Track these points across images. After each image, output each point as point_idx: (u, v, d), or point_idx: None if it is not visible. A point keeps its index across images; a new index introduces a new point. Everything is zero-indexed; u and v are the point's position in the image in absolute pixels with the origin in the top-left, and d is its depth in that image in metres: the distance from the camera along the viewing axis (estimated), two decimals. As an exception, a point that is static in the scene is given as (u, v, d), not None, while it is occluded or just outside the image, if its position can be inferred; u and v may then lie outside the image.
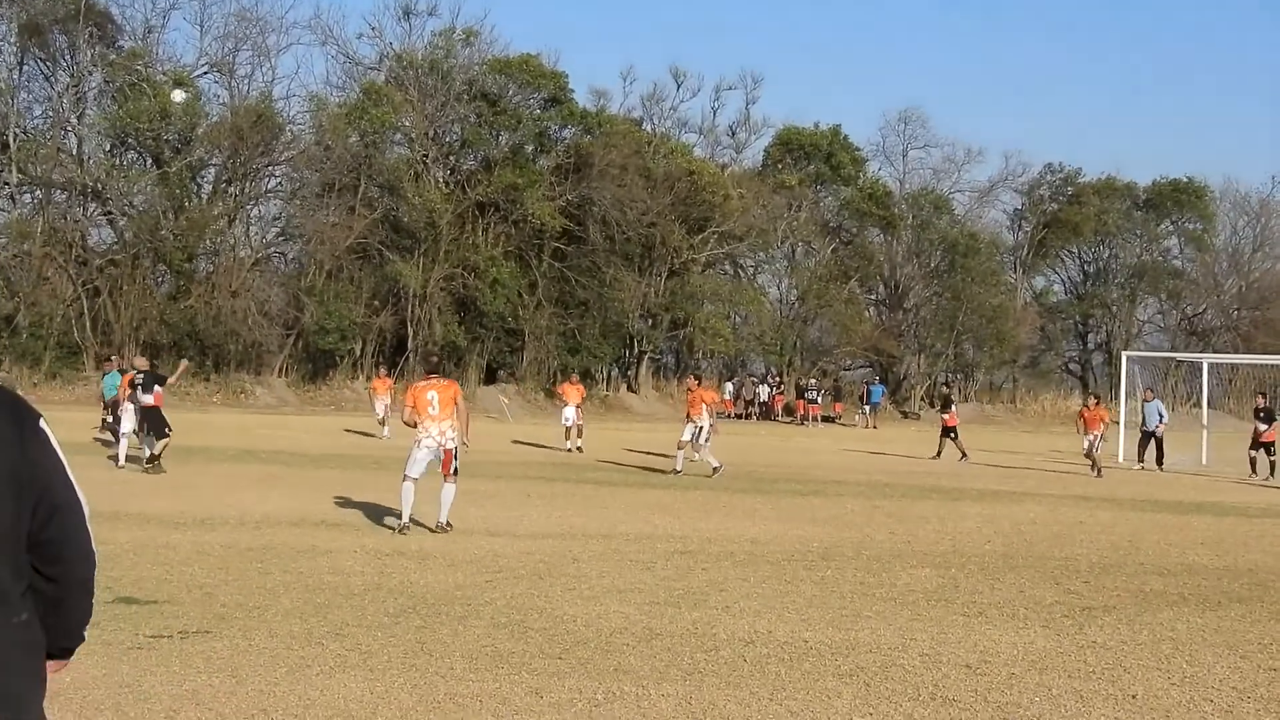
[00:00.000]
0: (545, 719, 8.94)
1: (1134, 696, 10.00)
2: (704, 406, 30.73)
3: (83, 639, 4.13)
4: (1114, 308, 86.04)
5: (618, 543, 18.09)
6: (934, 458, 40.13)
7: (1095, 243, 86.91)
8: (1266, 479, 35.30)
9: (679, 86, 79.00)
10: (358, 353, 66.79)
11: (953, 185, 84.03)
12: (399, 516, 18.97)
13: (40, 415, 3.88)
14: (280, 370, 63.78)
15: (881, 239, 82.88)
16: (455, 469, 19.01)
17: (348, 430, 42.19)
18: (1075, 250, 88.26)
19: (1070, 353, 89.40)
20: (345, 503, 22.15)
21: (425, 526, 18.86)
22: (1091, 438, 35.37)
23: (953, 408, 42.67)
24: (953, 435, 40.77)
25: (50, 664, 4.00)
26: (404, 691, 9.50)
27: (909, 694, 9.88)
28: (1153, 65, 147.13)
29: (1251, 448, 36.76)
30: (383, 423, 40.98)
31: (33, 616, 3.79)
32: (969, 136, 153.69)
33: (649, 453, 36.82)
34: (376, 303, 66.99)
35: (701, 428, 30.50)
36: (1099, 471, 34.52)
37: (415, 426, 19.21)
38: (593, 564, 15.96)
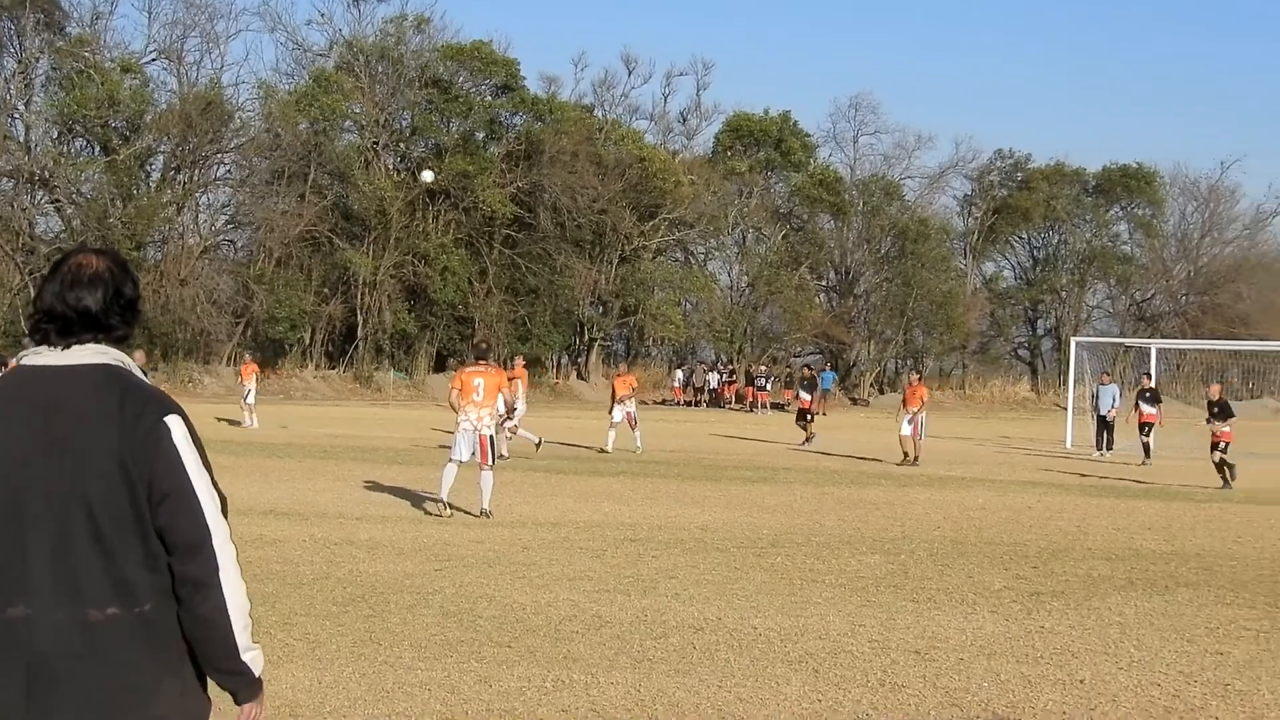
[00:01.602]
0: (494, 707, 8.93)
1: (1082, 681, 10.06)
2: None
3: (239, 673, 4.02)
4: (1063, 293, 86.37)
5: (567, 530, 18.09)
6: (803, 444, 38.92)
7: (1045, 229, 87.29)
8: (1142, 462, 34.70)
9: (630, 73, 79.18)
10: (307, 341, 66.59)
11: (903, 171, 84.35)
12: (437, 499, 19.71)
13: (170, 410, 4.00)
14: (229, 359, 63.39)
15: (832, 225, 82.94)
16: (493, 457, 19.60)
17: (219, 419, 41.49)
18: (1025, 236, 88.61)
19: (1020, 338, 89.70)
20: (293, 492, 22.08)
21: (466, 511, 19.46)
22: (909, 416, 32.80)
23: (817, 391, 42.65)
24: (809, 418, 40.24)
25: (242, 710, 4.08)
26: (352, 680, 9.48)
27: (858, 680, 9.92)
28: (1103, 51, 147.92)
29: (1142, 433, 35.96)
30: (249, 410, 40.22)
31: (160, 609, 3.90)
32: (920, 122, 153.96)
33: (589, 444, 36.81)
34: (326, 290, 66.81)
35: (516, 409, 30.54)
36: (915, 458, 32.52)
37: (456, 410, 19.74)
38: (542, 551, 15.96)
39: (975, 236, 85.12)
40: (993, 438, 46.23)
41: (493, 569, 14.56)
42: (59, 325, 4.00)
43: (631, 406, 34.69)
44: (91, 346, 4.00)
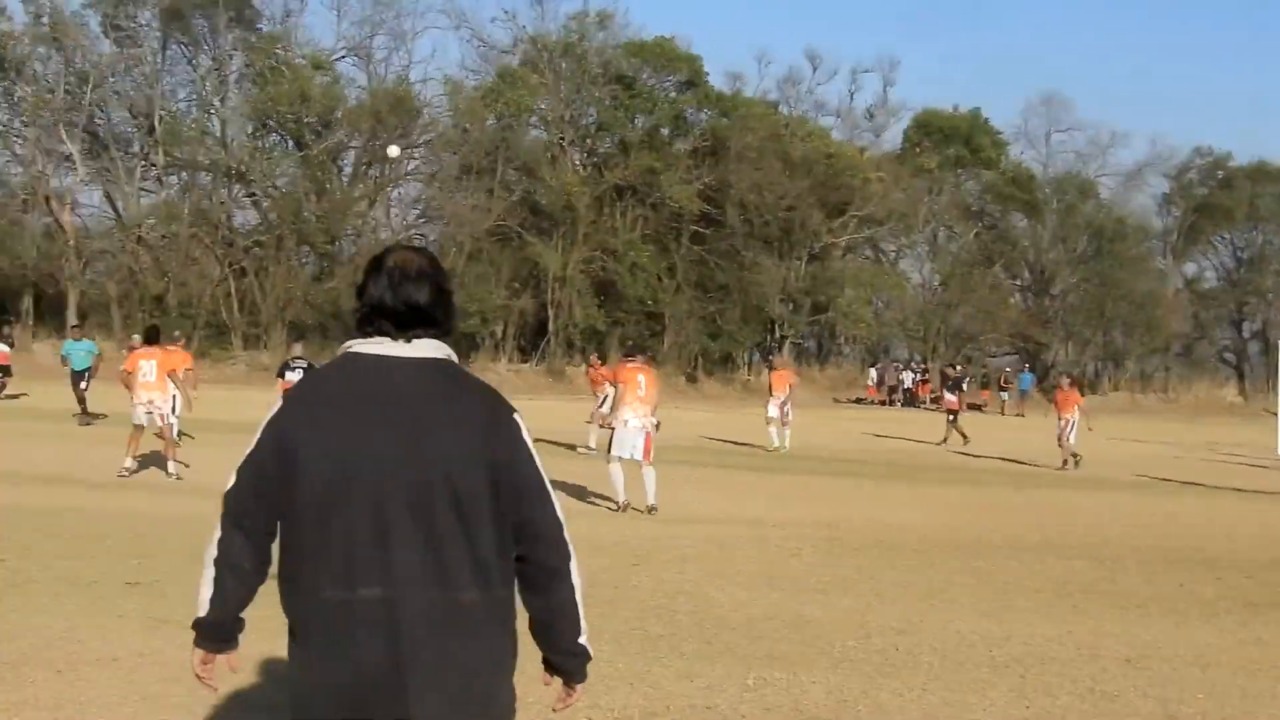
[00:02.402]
0: (696, 702, 8.85)
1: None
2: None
3: (579, 653, 4.41)
4: (1269, 295, 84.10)
5: (764, 529, 17.93)
6: (940, 443, 38.52)
7: (1248, 228, 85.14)
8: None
9: (815, 69, 78.53)
10: (499, 335, 67.13)
11: (1098, 169, 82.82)
12: (616, 498, 19.78)
13: (514, 408, 4.36)
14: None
15: (1025, 224, 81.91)
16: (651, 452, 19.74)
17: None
18: (1228, 236, 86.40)
19: (1225, 341, 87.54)
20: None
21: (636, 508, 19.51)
22: (1063, 423, 32.27)
23: (961, 390, 41.97)
24: (952, 419, 39.80)
25: (562, 692, 4.48)
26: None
27: (1066, 687, 9.69)
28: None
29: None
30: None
31: (509, 594, 4.25)
32: (1113, 120, 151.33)
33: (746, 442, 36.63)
34: (516, 285, 67.26)
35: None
36: (1065, 462, 31.81)
37: (619, 406, 19.94)
38: (739, 549, 15.83)
39: (1175, 236, 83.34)
40: (1199, 443, 45.18)
41: (689, 565, 14.46)
42: (395, 319, 4.26)
43: (786, 402, 33.69)
44: (431, 341, 4.28)
